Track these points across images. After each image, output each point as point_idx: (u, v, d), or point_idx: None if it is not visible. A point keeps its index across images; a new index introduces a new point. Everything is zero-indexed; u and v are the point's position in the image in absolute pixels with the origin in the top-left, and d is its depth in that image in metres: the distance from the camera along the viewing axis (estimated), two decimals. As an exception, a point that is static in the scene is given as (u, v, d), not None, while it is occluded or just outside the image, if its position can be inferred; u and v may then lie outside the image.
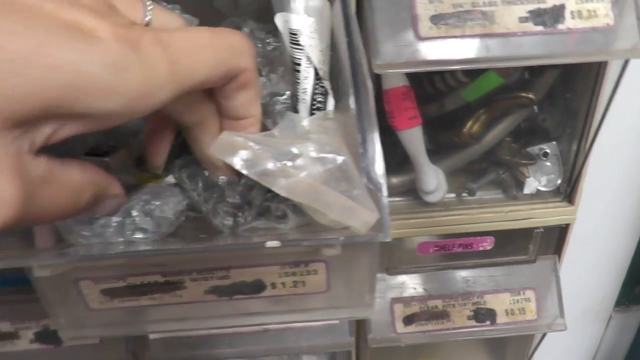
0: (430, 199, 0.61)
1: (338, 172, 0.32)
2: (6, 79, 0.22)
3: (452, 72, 0.57)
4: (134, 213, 0.34)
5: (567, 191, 0.63)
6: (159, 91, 0.27)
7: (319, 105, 0.38)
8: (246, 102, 0.33)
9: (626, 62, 0.53)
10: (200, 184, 0.39)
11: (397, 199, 0.64)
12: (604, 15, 0.48)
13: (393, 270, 0.66)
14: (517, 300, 0.67)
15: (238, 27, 0.42)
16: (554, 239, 0.67)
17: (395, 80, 0.54)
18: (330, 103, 0.39)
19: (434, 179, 0.59)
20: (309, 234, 0.34)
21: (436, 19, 0.46)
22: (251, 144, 0.31)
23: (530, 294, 0.67)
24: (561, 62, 0.49)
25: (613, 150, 0.81)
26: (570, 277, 0.97)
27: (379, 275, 0.65)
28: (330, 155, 0.32)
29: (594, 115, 0.58)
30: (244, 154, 0.31)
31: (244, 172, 0.31)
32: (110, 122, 0.27)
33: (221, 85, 0.32)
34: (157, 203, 0.34)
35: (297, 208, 0.36)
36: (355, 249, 0.35)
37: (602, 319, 1.12)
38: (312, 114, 0.38)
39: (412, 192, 0.63)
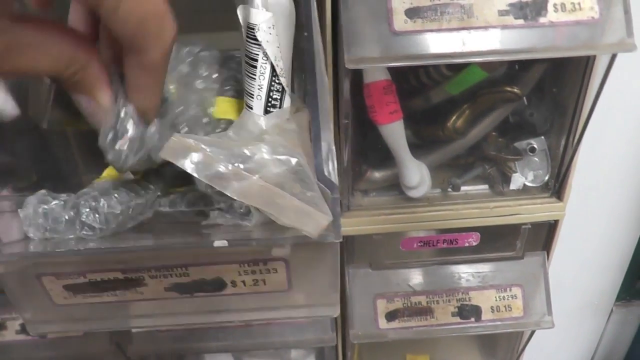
0: (413, 194, 0.60)
1: (292, 174, 0.31)
2: None
3: (436, 66, 0.56)
4: (83, 210, 0.34)
5: (556, 187, 0.62)
6: None
7: (274, 102, 0.37)
8: None
9: (613, 57, 0.52)
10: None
11: (380, 193, 0.63)
12: (589, 8, 0.47)
13: (376, 266, 0.65)
14: (503, 297, 0.66)
15: None
16: (543, 235, 0.66)
17: (376, 74, 0.53)
18: (287, 101, 0.38)
19: (416, 174, 0.59)
20: (267, 232, 0.34)
21: (412, 12, 0.45)
22: (203, 146, 0.31)
23: (517, 290, 0.66)
24: (543, 56, 0.47)
25: (602, 145, 0.80)
26: (568, 272, 0.96)
27: (362, 271, 0.65)
28: (283, 157, 0.31)
29: (582, 109, 0.57)
30: (195, 156, 0.30)
31: (196, 175, 0.30)
32: None
33: None
34: (104, 200, 0.34)
35: None
36: (313, 249, 0.35)
37: (603, 313, 1.11)
38: (267, 112, 0.37)
39: (395, 187, 0.62)
